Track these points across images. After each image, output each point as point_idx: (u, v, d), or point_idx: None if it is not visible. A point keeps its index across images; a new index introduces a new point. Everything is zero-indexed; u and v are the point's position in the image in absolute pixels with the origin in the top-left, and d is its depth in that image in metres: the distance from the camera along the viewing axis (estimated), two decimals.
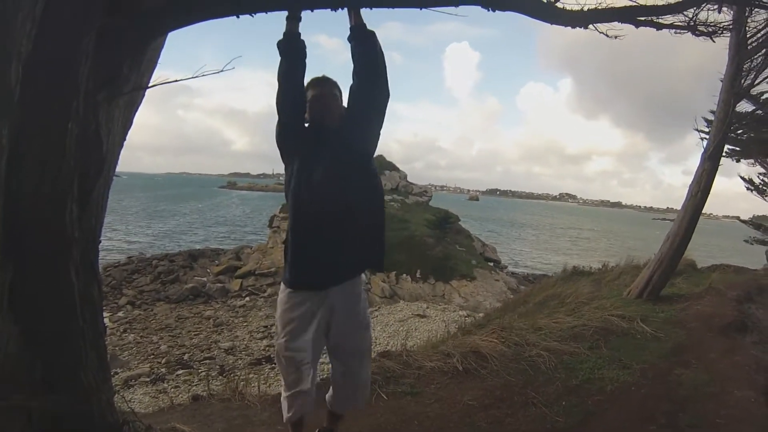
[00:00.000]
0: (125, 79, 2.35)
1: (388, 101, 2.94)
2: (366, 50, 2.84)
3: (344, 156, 2.84)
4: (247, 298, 25.85)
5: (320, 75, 3.04)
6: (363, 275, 3.22)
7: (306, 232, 2.89)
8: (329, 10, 2.54)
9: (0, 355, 1.86)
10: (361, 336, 3.14)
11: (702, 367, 5.36)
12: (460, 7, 2.45)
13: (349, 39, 2.86)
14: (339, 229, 2.84)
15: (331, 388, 3.31)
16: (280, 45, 2.82)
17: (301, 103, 2.92)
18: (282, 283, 3.10)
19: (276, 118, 2.94)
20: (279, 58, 2.87)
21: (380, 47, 2.87)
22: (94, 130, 2.19)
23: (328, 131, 2.87)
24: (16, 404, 1.92)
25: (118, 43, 2.21)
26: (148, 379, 14.87)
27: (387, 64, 2.91)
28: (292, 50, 2.84)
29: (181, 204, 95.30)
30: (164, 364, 16.41)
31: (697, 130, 9.87)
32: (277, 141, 2.95)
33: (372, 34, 2.83)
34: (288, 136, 2.93)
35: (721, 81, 8.66)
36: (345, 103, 3.01)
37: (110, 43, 2.13)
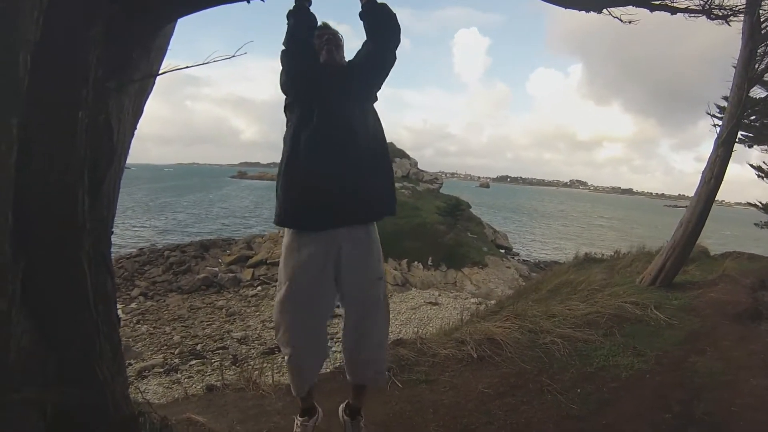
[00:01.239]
0: (135, 67, 2.33)
1: (393, 64, 2.95)
2: (380, 17, 2.87)
3: (348, 92, 2.82)
4: (259, 288, 25.93)
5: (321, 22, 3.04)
6: (375, 227, 3.01)
7: (309, 159, 2.75)
8: None
9: (14, 348, 1.85)
10: (374, 285, 2.96)
11: (716, 355, 5.32)
12: None
13: (362, 15, 2.88)
14: (344, 158, 2.75)
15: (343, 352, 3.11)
16: (291, 12, 2.85)
17: (310, 43, 2.92)
18: (278, 225, 2.93)
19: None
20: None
21: (394, 15, 2.88)
22: (105, 119, 2.17)
23: (330, 76, 2.86)
24: (30, 398, 1.92)
25: (128, 31, 2.19)
26: (161, 370, 14.97)
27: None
28: (302, 13, 2.88)
29: (186, 196, 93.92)
30: (177, 355, 16.52)
31: (709, 114, 9.80)
32: (285, 84, 2.91)
33: (384, 4, 2.87)
34: (298, 76, 2.88)
35: (734, 66, 8.57)
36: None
37: (119, 30, 2.11)
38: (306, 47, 2.88)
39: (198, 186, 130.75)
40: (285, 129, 2.90)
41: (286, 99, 2.92)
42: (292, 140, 2.78)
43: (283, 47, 2.89)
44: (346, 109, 2.78)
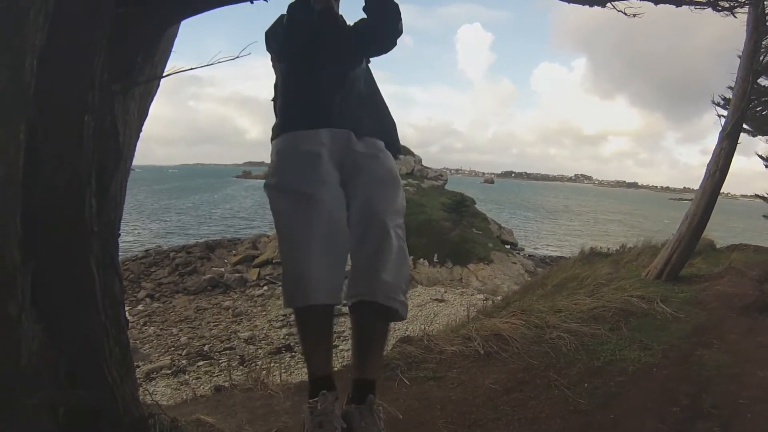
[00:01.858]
0: (140, 70, 2.34)
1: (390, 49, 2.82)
2: (382, 6, 2.71)
3: (344, 47, 2.67)
4: (266, 287, 25.99)
5: None
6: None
7: (307, 71, 2.56)
8: None
9: (24, 352, 1.86)
10: (393, 192, 2.43)
11: (724, 348, 5.31)
12: None
13: (365, 8, 2.75)
14: (343, 79, 2.56)
15: (349, 276, 2.37)
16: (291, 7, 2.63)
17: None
18: (274, 140, 2.58)
19: None
20: None
21: (396, 4, 2.72)
22: (111, 122, 2.19)
23: (332, 20, 2.73)
24: (41, 401, 1.93)
25: (132, 34, 2.20)
26: (169, 371, 15.05)
27: (398, 45, 2.81)
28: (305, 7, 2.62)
29: (189, 197, 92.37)
30: (185, 356, 16.59)
31: (713, 102, 9.76)
32: (275, 40, 2.66)
33: None
34: (298, 23, 2.57)
35: (739, 57, 8.55)
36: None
37: (124, 33, 2.13)
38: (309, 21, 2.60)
39: (201, 187, 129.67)
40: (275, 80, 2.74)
41: (273, 52, 2.74)
42: (285, 77, 2.66)
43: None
44: (341, 57, 2.64)
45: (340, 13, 2.86)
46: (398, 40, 2.81)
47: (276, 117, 2.63)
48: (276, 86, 2.77)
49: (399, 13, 2.74)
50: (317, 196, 2.27)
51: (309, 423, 2.20)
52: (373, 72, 2.86)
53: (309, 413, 2.24)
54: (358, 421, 2.24)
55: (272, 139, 2.60)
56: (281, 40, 2.64)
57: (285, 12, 2.62)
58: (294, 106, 2.55)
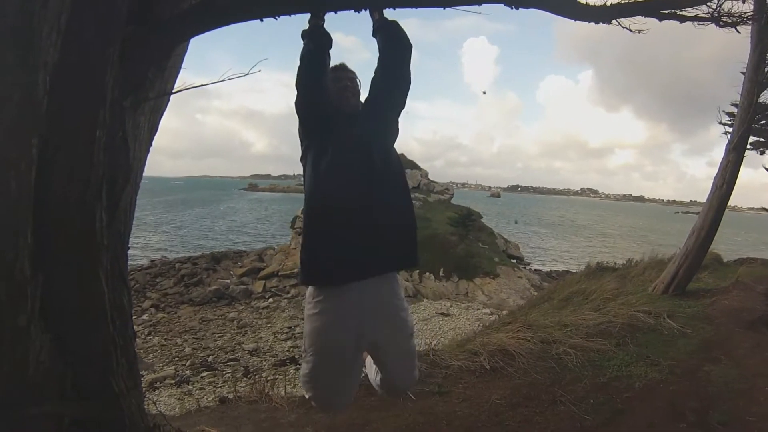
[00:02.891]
0: (150, 86, 2.37)
1: (408, 88, 2.91)
2: (393, 35, 2.82)
3: (364, 133, 2.73)
4: (271, 300, 25.92)
5: (338, 63, 2.97)
6: (399, 278, 2.91)
7: (322, 218, 2.67)
8: (352, 11, 2.55)
9: (32, 363, 1.88)
10: (406, 341, 2.87)
11: (731, 363, 5.29)
12: (483, 5, 2.44)
13: (374, 34, 2.85)
14: (361, 216, 2.64)
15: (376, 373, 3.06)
16: (306, 32, 2.75)
17: (325, 83, 2.79)
18: (308, 289, 2.78)
19: (295, 119, 2.83)
20: (297, 57, 2.78)
21: (405, 34, 2.84)
22: (121, 138, 2.21)
23: (346, 117, 2.79)
24: (48, 411, 1.94)
25: (143, 51, 2.23)
26: (173, 382, 14.98)
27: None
28: (317, 36, 2.75)
29: (188, 210, 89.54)
30: (189, 367, 16.52)
31: (721, 123, 9.75)
32: (300, 111, 2.78)
33: (395, 23, 2.83)
34: (312, 105, 2.76)
35: (743, 74, 8.56)
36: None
37: (135, 50, 2.15)
38: (320, 91, 2.76)
39: (204, 200, 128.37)
40: (304, 177, 2.81)
41: (302, 145, 2.83)
42: (309, 194, 2.71)
43: (296, 91, 2.77)
44: (362, 152, 2.69)
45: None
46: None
47: (301, 255, 2.76)
48: (304, 172, 2.81)
49: (409, 47, 2.86)
50: (342, 370, 2.78)
51: None
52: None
53: None
54: None
55: (300, 282, 3.05)
56: (304, 77, 2.74)
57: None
58: (319, 257, 2.70)
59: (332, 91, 2.82)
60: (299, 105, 2.76)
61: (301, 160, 2.83)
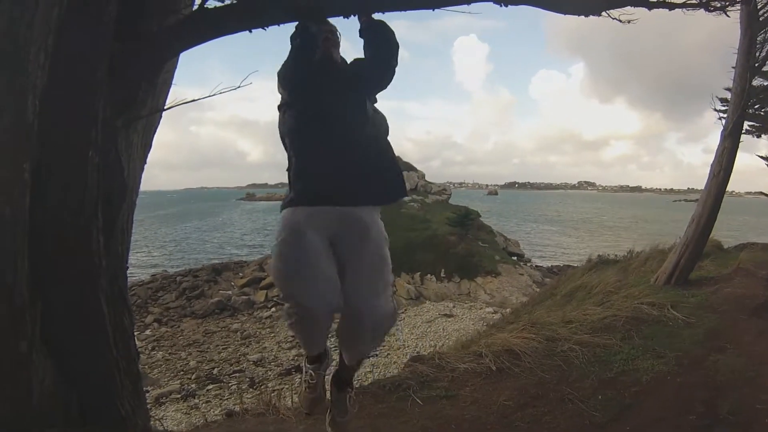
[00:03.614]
0: (141, 103, 2.36)
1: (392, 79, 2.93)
2: (380, 36, 2.84)
3: (345, 93, 2.78)
4: (273, 309, 25.88)
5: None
6: (379, 217, 2.89)
7: (312, 144, 2.72)
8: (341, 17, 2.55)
9: (36, 389, 1.86)
10: (377, 259, 2.76)
11: (737, 352, 5.28)
12: (472, 4, 2.44)
13: (361, 34, 2.86)
14: (340, 153, 2.70)
15: (338, 326, 2.83)
16: (294, 35, 2.73)
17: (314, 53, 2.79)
18: (281, 212, 2.77)
19: None
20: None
21: (393, 33, 2.87)
22: (115, 157, 2.20)
23: (328, 65, 2.84)
24: None
25: (132, 68, 2.22)
26: (178, 396, 14.95)
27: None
28: (306, 34, 2.73)
29: (181, 224, 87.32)
30: (194, 380, 16.49)
31: (715, 109, 9.74)
32: (285, 76, 2.78)
33: (383, 23, 2.85)
34: (300, 68, 2.76)
35: (734, 65, 8.56)
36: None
37: (124, 68, 2.14)
38: (312, 49, 2.77)
39: (202, 212, 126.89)
40: (279, 124, 2.87)
41: (282, 97, 2.88)
42: (291, 136, 2.79)
43: (287, 71, 2.78)
44: (342, 105, 2.76)
45: (342, 56, 2.97)
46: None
47: (288, 178, 2.84)
48: (281, 134, 2.86)
49: (396, 46, 2.87)
50: (312, 248, 2.63)
51: (304, 377, 3.13)
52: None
53: (304, 371, 3.13)
54: (335, 400, 3.10)
55: (281, 209, 2.79)
56: (291, 70, 2.75)
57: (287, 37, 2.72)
58: (300, 184, 2.74)
59: (323, 42, 2.85)
60: (286, 82, 2.81)
61: (279, 108, 2.88)
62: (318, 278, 2.61)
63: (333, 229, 2.70)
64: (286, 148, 2.86)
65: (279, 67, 2.84)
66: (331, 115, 2.71)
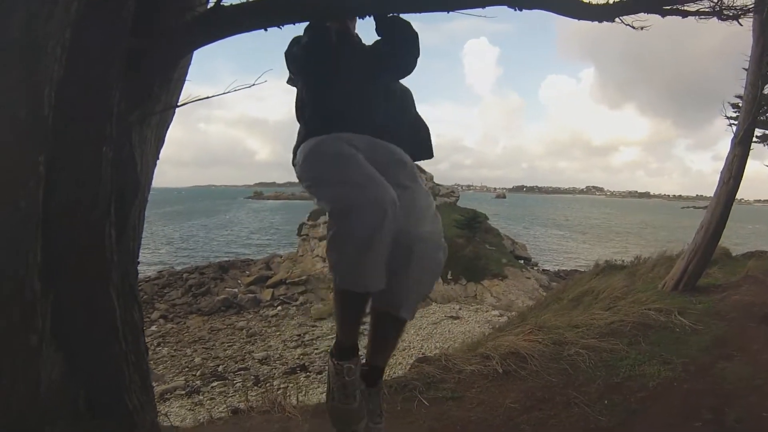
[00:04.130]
0: (156, 99, 2.37)
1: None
2: (398, 26, 2.73)
3: (368, 59, 2.67)
4: (279, 308, 26.00)
5: None
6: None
7: (335, 74, 2.54)
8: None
9: (44, 382, 1.87)
10: (426, 197, 2.54)
11: (745, 359, 5.24)
12: (486, 7, 2.43)
13: (378, 30, 2.76)
14: (374, 86, 2.60)
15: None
16: (308, 27, 2.63)
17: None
18: (302, 144, 2.53)
19: None
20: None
21: (410, 26, 2.76)
22: (128, 152, 2.21)
23: (351, 38, 2.75)
24: (62, 430, 1.94)
25: (148, 64, 2.22)
26: (183, 392, 15.04)
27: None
28: (321, 32, 2.60)
29: (192, 221, 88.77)
30: (199, 377, 16.59)
31: (726, 117, 9.70)
32: (301, 55, 2.60)
33: (398, 16, 2.73)
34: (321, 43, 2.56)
35: (746, 67, 8.53)
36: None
37: (140, 64, 2.15)
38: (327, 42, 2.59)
39: (210, 209, 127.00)
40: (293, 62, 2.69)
41: (296, 68, 2.71)
42: (309, 87, 2.63)
43: (301, 59, 2.64)
44: (366, 62, 2.64)
45: (357, 32, 2.89)
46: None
47: (302, 125, 2.63)
48: (298, 99, 2.72)
49: (415, 39, 2.78)
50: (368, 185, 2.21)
51: (335, 382, 2.43)
52: None
53: (335, 372, 2.43)
54: (368, 399, 2.55)
55: (299, 144, 2.56)
56: (301, 61, 2.64)
57: (301, 33, 2.65)
58: (323, 110, 2.53)
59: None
60: (299, 55, 2.64)
61: (289, 82, 2.80)
62: (373, 175, 2.27)
63: (374, 156, 2.41)
64: (298, 87, 2.72)
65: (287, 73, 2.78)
66: (353, 66, 2.59)
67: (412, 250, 2.29)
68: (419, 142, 2.80)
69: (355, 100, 2.52)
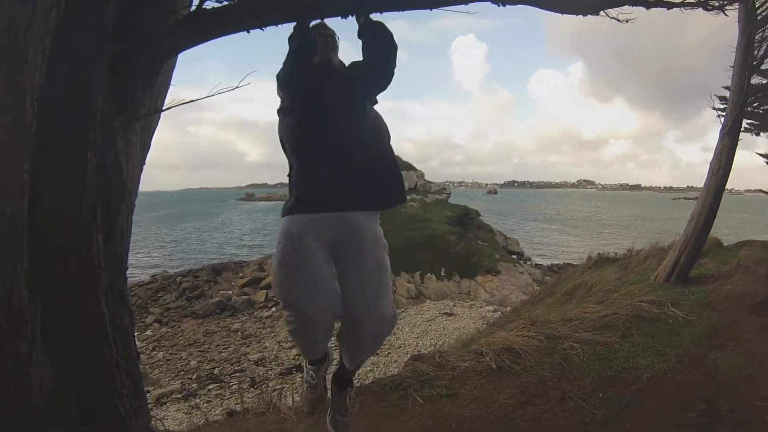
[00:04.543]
0: (140, 104, 2.36)
1: (390, 82, 2.93)
2: (378, 36, 2.85)
3: (346, 96, 2.77)
4: (273, 309, 25.89)
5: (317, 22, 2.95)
6: (378, 223, 2.89)
7: (312, 148, 2.72)
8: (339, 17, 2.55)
9: (36, 389, 1.86)
10: (376, 265, 2.76)
11: (737, 349, 5.28)
12: (470, 4, 2.44)
13: (360, 35, 2.87)
14: (341, 157, 2.69)
15: (339, 331, 2.86)
16: (292, 37, 2.76)
17: (311, 57, 2.82)
18: (282, 218, 2.77)
19: None
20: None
21: (391, 34, 2.87)
22: (113, 158, 2.20)
23: (327, 69, 2.85)
24: None
25: (130, 69, 2.21)
26: (179, 396, 14.96)
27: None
28: (303, 38, 2.77)
29: (183, 224, 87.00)
30: (195, 380, 16.51)
31: (713, 108, 9.74)
32: (284, 79, 2.79)
33: (381, 24, 2.86)
34: (299, 72, 2.77)
35: (734, 52, 8.56)
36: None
37: (122, 69, 2.14)
38: (311, 51, 2.80)
39: (201, 212, 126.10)
40: (279, 129, 2.87)
41: (282, 100, 2.87)
42: (291, 141, 2.79)
43: (285, 74, 2.79)
44: (343, 109, 2.75)
45: (341, 60, 2.98)
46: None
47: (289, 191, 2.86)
48: (281, 139, 2.88)
49: (394, 47, 2.89)
50: (312, 258, 2.66)
51: (305, 376, 3.17)
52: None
53: (305, 370, 3.16)
54: (336, 397, 3.12)
55: (282, 215, 2.80)
56: (289, 74, 2.77)
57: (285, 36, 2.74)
58: (300, 190, 2.76)
59: (320, 45, 2.86)
60: (285, 85, 2.82)
61: (279, 112, 2.89)
62: (318, 287, 2.64)
63: (332, 236, 2.70)
64: (286, 153, 2.87)
65: (278, 68, 2.85)
66: (331, 117, 2.71)
67: (360, 326, 2.71)
68: (392, 189, 2.90)
69: (330, 174, 2.69)
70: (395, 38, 2.88)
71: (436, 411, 4.14)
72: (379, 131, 2.91)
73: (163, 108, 2.58)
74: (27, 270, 1.80)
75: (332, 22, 2.79)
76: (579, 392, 4.32)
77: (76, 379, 2.05)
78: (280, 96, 2.88)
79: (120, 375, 2.22)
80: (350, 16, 2.62)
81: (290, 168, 2.84)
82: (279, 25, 2.46)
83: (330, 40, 2.91)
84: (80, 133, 1.91)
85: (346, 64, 3.00)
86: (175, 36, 2.29)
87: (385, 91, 2.93)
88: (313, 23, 2.87)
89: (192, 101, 2.48)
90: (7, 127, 1.69)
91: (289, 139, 2.81)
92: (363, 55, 2.89)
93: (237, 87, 2.39)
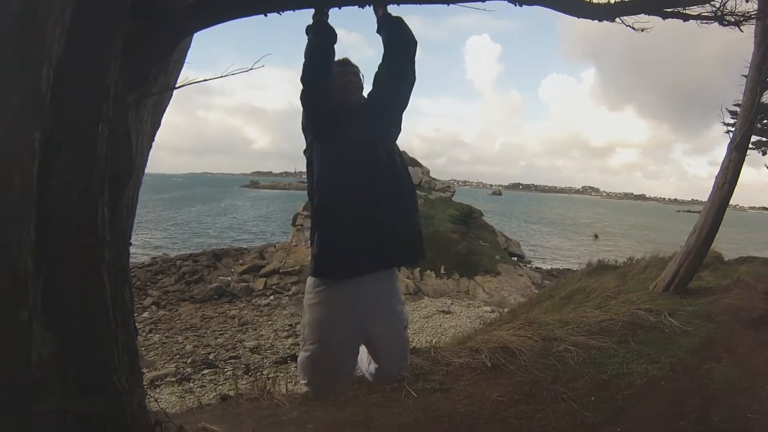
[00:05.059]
0: (153, 81, 2.36)
1: (413, 85, 2.93)
2: (397, 30, 2.83)
3: (366, 138, 2.74)
4: (272, 297, 25.92)
5: (342, 58, 2.94)
6: (396, 273, 3.01)
7: (332, 215, 2.71)
8: (356, 6, 2.54)
9: (34, 359, 1.87)
10: (401, 332, 2.95)
11: (732, 362, 5.29)
12: (487, 1, 2.44)
13: (378, 30, 2.86)
14: (366, 213, 2.67)
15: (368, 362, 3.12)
16: (310, 28, 2.74)
17: (330, 78, 2.80)
18: (309, 279, 2.84)
19: (299, 113, 2.84)
20: (300, 54, 2.78)
21: (410, 30, 2.86)
22: (124, 132, 2.20)
23: (350, 112, 2.81)
24: (51, 408, 1.94)
25: (146, 46, 2.22)
26: (174, 379, 15.01)
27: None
28: (322, 31, 2.74)
29: (187, 208, 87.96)
30: (190, 364, 16.55)
31: (723, 123, 9.72)
32: (307, 105, 2.78)
33: (400, 18, 2.84)
34: (318, 99, 2.77)
35: (745, 77, 8.54)
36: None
37: (138, 45, 2.14)
38: (325, 86, 2.78)
39: (206, 197, 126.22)
40: (307, 169, 2.85)
41: (306, 138, 2.85)
42: (318, 191, 2.76)
43: (302, 86, 2.77)
44: (367, 149, 2.72)
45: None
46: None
47: (312, 259, 2.82)
48: (309, 165, 2.83)
49: (414, 43, 2.89)
50: (341, 359, 2.86)
51: None
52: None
53: None
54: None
55: (311, 275, 2.82)
56: (309, 74, 2.75)
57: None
58: (323, 257, 2.73)
59: (336, 85, 2.82)
60: (306, 100, 2.77)
61: (305, 153, 2.85)
62: (341, 376, 2.97)
63: (359, 305, 2.75)
64: (311, 201, 2.85)
65: (292, 56, 2.84)
66: (358, 181, 2.69)
67: (387, 375, 3.10)
68: (413, 248, 2.94)
69: (354, 241, 2.68)
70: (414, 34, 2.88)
71: (429, 405, 4.16)
72: (405, 183, 2.89)
73: (176, 86, 2.59)
74: (34, 240, 1.81)
75: (352, 10, 2.77)
76: (572, 394, 4.34)
77: (74, 351, 2.06)
78: (303, 129, 2.87)
79: (118, 350, 2.22)
80: (368, 6, 2.61)
81: (312, 232, 2.83)
82: (296, 11, 2.45)
83: (354, 79, 2.91)
84: (93, 106, 1.92)
85: (360, 68, 2.99)
86: (193, 15, 2.30)
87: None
88: (337, 59, 2.86)
89: (205, 80, 2.49)
90: (21, 98, 1.70)
91: (315, 190, 2.78)
92: (383, 55, 2.86)
93: (251, 69, 2.39)
